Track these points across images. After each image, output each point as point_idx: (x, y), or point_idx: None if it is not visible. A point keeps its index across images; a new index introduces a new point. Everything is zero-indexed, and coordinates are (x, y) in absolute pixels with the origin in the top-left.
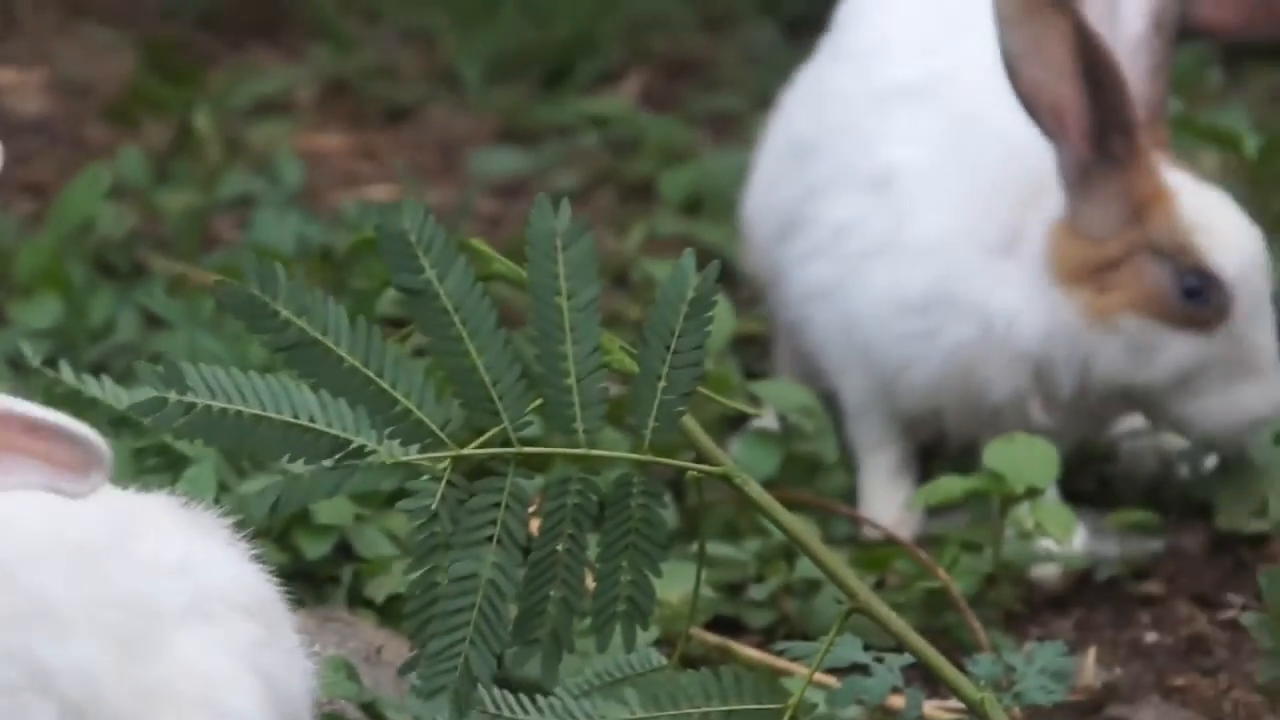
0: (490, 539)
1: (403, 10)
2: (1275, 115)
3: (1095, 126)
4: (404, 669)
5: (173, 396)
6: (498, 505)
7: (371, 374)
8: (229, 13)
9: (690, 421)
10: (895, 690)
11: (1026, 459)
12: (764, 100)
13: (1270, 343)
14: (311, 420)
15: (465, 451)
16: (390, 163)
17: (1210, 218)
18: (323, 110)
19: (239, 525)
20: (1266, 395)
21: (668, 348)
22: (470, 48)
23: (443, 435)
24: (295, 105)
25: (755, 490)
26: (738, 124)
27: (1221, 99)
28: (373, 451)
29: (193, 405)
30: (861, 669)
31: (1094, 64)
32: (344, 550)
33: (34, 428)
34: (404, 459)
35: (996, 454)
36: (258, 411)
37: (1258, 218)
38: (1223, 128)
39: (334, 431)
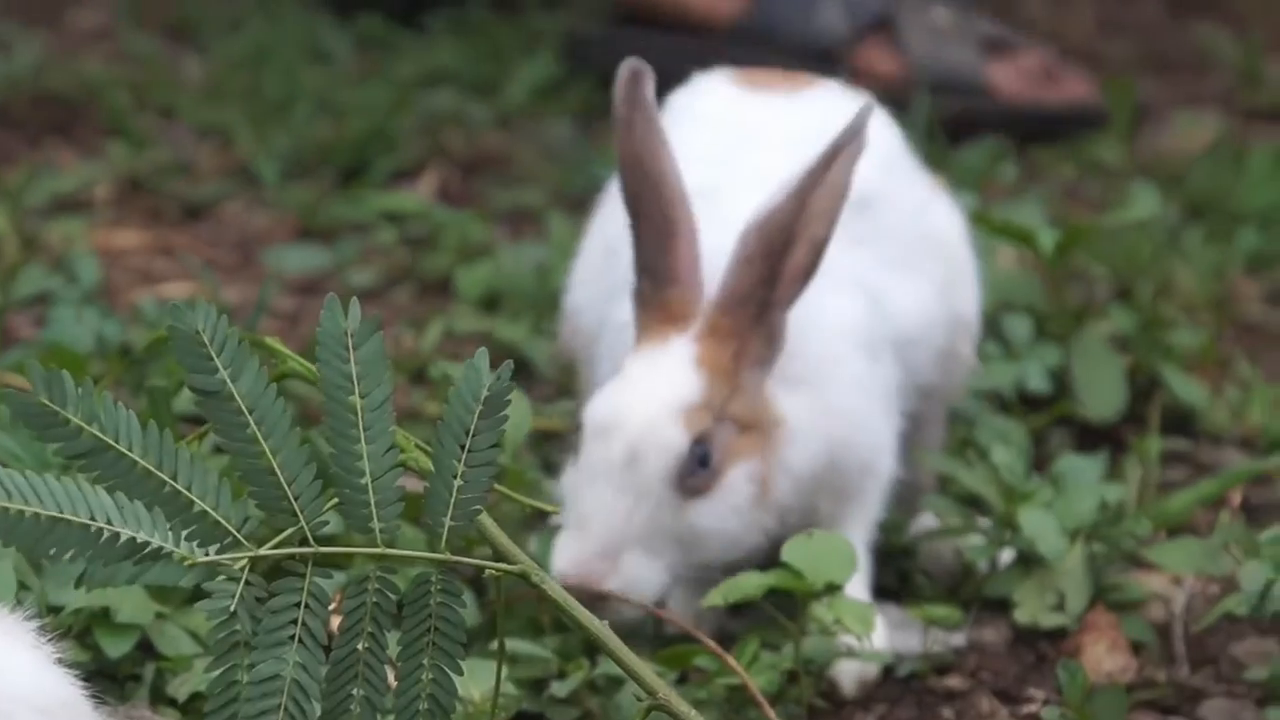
0: (291, 638)
1: (198, 108)
2: (1070, 209)
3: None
4: None
5: None
6: (297, 605)
7: (166, 476)
8: (22, 111)
9: (487, 520)
10: None
11: (825, 555)
12: (559, 195)
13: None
14: (109, 522)
15: (262, 552)
16: (188, 260)
17: None
18: (120, 208)
19: (42, 627)
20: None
21: (463, 446)
22: (266, 145)
23: (239, 535)
24: (92, 203)
25: (553, 588)
26: (534, 219)
27: (1016, 193)
28: (170, 553)
29: None
30: None
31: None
32: (146, 649)
33: None
34: (201, 560)
35: (795, 550)
36: (55, 513)
37: (1054, 314)
38: (1017, 223)
39: (130, 533)
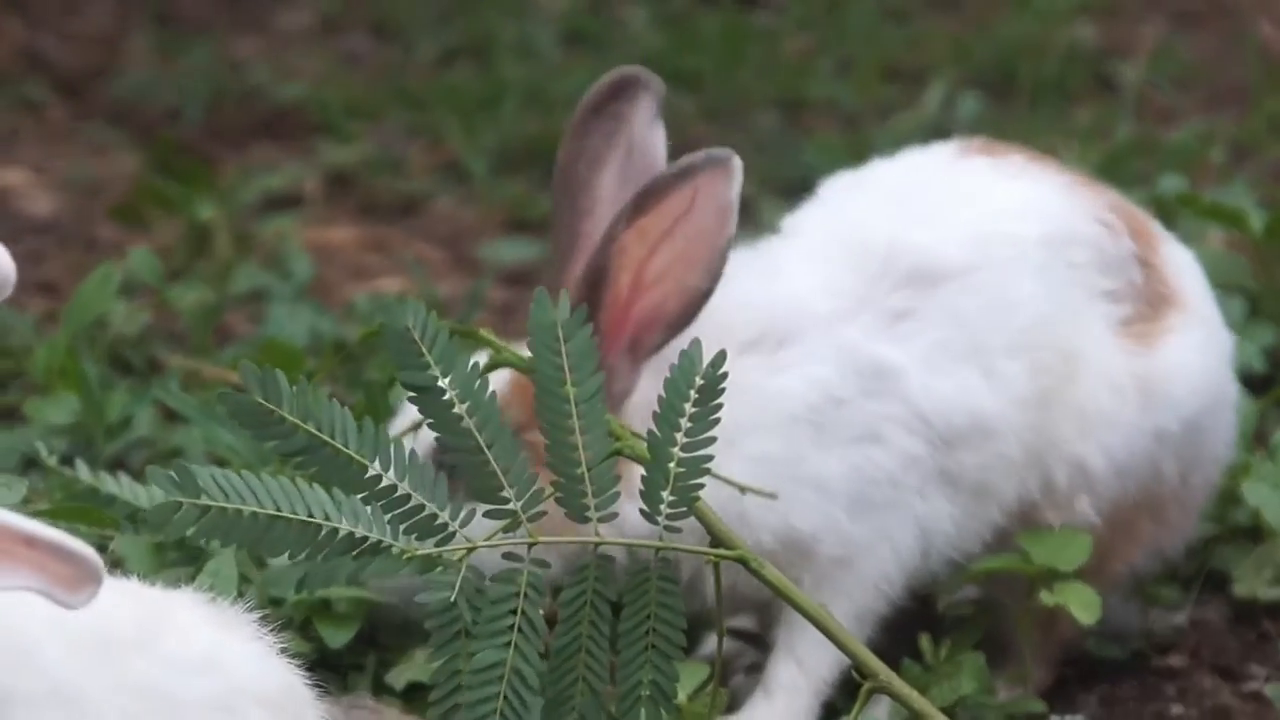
0: (511, 627)
1: (405, 108)
2: (1278, 190)
3: None
4: None
5: (186, 501)
6: (516, 594)
7: (381, 471)
8: (232, 112)
9: (705, 506)
10: None
11: (1058, 544)
12: (769, 183)
13: None
14: (326, 518)
15: (480, 544)
16: (399, 255)
17: None
18: (330, 205)
19: (263, 618)
20: None
21: (679, 432)
22: (475, 140)
23: (457, 528)
24: (303, 200)
25: (771, 573)
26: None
27: (1225, 176)
28: (388, 546)
29: (207, 509)
30: None
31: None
32: (367, 639)
33: (31, 541)
34: (420, 552)
35: (1030, 538)
36: (272, 512)
37: (1267, 293)
38: (1227, 205)
39: (348, 528)
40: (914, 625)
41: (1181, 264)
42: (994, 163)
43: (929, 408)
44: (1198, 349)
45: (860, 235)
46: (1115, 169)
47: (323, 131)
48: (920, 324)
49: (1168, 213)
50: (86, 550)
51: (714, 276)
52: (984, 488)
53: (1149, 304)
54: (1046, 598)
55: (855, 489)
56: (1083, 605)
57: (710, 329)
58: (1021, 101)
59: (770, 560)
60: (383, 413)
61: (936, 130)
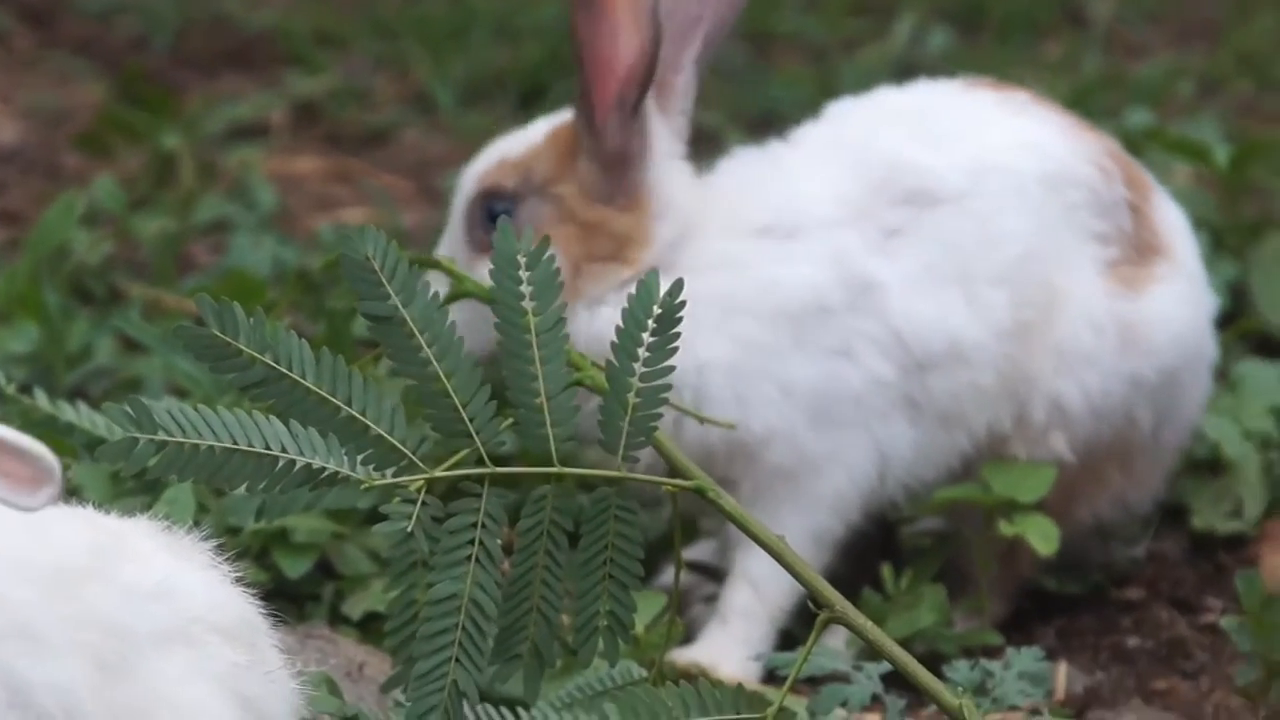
0: (469, 558)
1: (374, 38)
2: (1247, 125)
3: None
4: (387, 686)
5: (143, 436)
6: (474, 525)
7: (339, 402)
8: (199, 43)
9: (663, 436)
10: (875, 699)
11: (1019, 477)
12: (737, 116)
13: None
14: (283, 450)
15: (437, 474)
16: (365, 185)
17: None
18: (296, 135)
19: (219, 547)
20: None
21: (637, 363)
22: (443, 71)
23: (415, 458)
24: (269, 131)
25: (729, 503)
26: (712, 140)
27: (1193, 110)
28: (345, 477)
29: (163, 444)
30: (842, 678)
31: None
32: (325, 569)
33: None
34: (378, 483)
35: (993, 470)
36: (229, 445)
37: (1231, 228)
38: (1192, 139)
39: (306, 459)
40: (878, 555)
41: (1172, 218)
42: (1000, 98)
43: (907, 329)
44: (1182, 301)
45: (866, 149)
46: (1083, 103)
47: (290, 62)
48: (911, 243)
49: (1134, 147)
50: (41, 449)
51: (652, 41)
52: (954, 415)
53: (1137, 250)
54: (1005, 528)
55: (819, 402)
56: (1041, 536)
57: (721, 213)
58: (990, 35)
59: (711, 460)
60: (345, 343)
61: (904, 64)
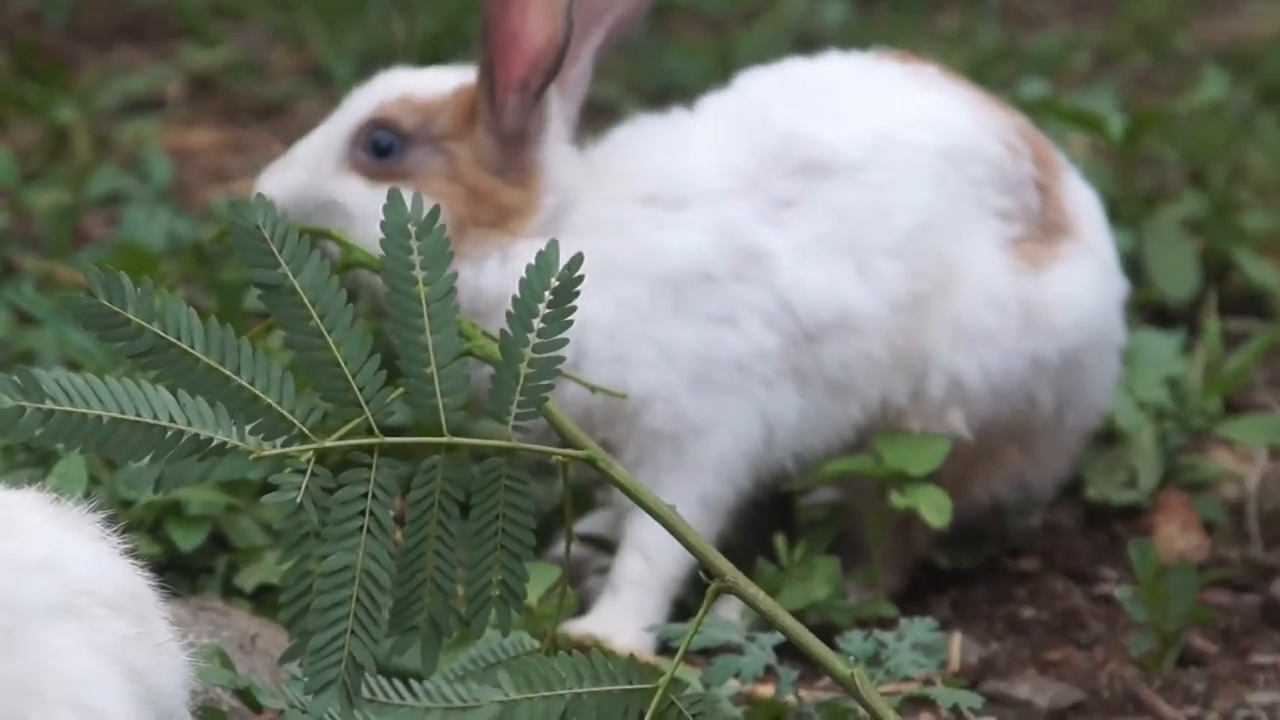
0: (360, 529)
1: (270, 9)
2: (1143, 97)
3: None
4: (284, 659)
5: (30, 405)
6: (365, 495)
7: (229, 372)
8: (94, 16)
9: (554, 406)
10: (768, 670)
11: (911, 449)
12: (634, 88)
13: None
14: (171, 420)
15: (327, 443)
16: (260, 158)
17: None
18: (192, 108)
19: (111, 519)
20: None
21: (531, 333)
22: (339, 44)
23: (304, 428)
24: (164, 103)
25: (620, 473)
26: (609, 112)
27: (1089, 80)
28: (235, 448)
29: (51, 413)
30: (735, 650)
31: None
32: (218, 541)
33: None
34: (267, 453)
35: (885, 442)
36: (116, 414)
37: (1126, 199)
38: (1086, 110)
39: (194, 430)
40: (774, 526)
41: (1082, 199)
42: (908, 71)
43: (795, 299)
44: (1087, 282)
45: (762, 120)
46: (979, 74)
47: (186, 34)
48: (804, 213)
49: (1030, 117)
50: None
51: (564, 31)
52: (844, 385)
53: (1043, 229)
54: (897, 499)
55: (699, 366)
56: (933, 508)
57: (612, 180)
58: (886, 7)
59: (591, 422)
60: (237, 315)
61: (801, 36)
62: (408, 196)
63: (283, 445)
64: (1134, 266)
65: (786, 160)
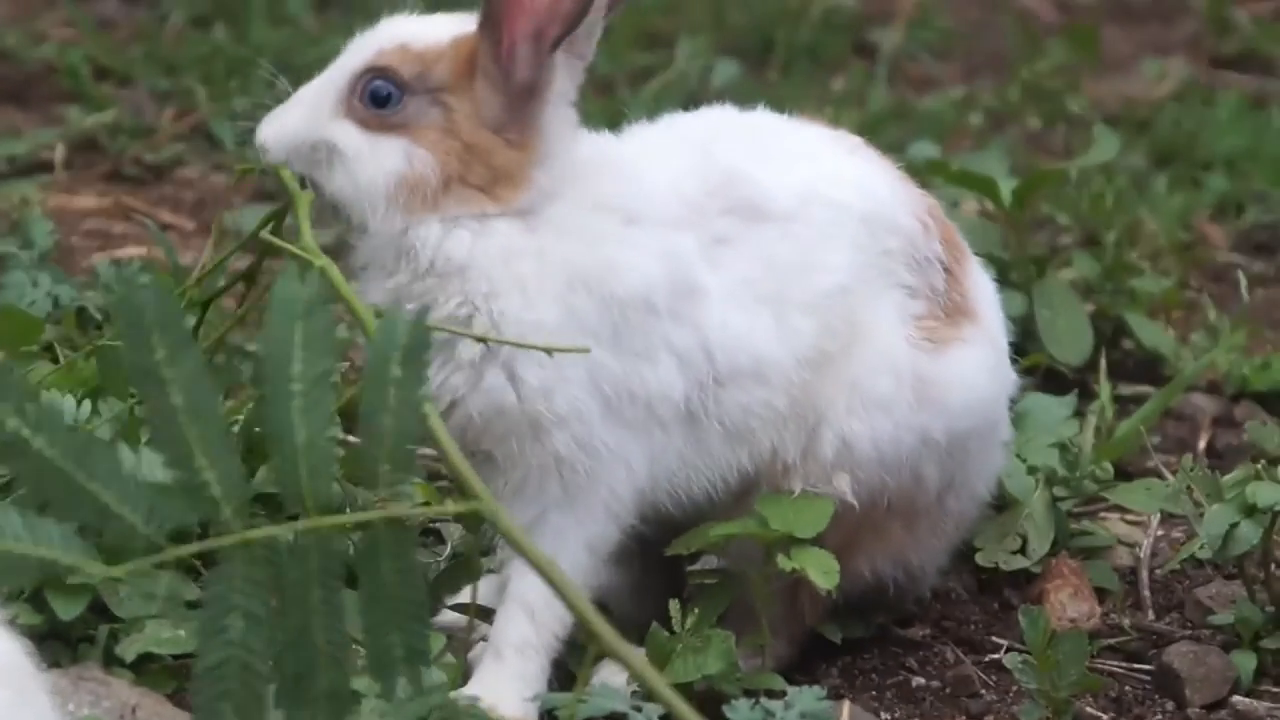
0: (233, 622)
1: (156, 72)
2: (1035, 158)
3: None
4: None
5: None
6: (232, 591)
7: (83, 482)
8: None
9: (447, 440)
10: None
11: (796, 510)
12: None
13: None
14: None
15: (171, 553)
16: (145, 222)
17: None
18: (76, 171)
19: None
20: None
21: (390, 397)
22: (225, 106)
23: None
24: (49, 166)
25: (506, 524)
26: None
27: (981, 141)
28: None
29: None
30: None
31: None
32: (99, 610)
33: None
34: (114, 573)
35: (768, 503)
36: None
37: (1017, 262)
38: (976, 173)
39: (41, 553)
40: (665, 590)
41: (983, 286)
42: (834, 135)
43: (717, 342)
44: (983, 368)
45: (708, 152)
46: (871, 135)
47: (72, 97)
48: (736, 256)
49: (920, 180)
50: None
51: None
52: (740, 431)
53: (945, 310)
54: (784, 562)
55: (614, 398)
56: (821, 570)
57: (591, 187)
58: (776, 68)
59: (492, 435)
60: (118, 379)
61: (692, 96)
62: (399, 149)
63: (134, 559)
64: (1025, 330)
65: (726, 197)
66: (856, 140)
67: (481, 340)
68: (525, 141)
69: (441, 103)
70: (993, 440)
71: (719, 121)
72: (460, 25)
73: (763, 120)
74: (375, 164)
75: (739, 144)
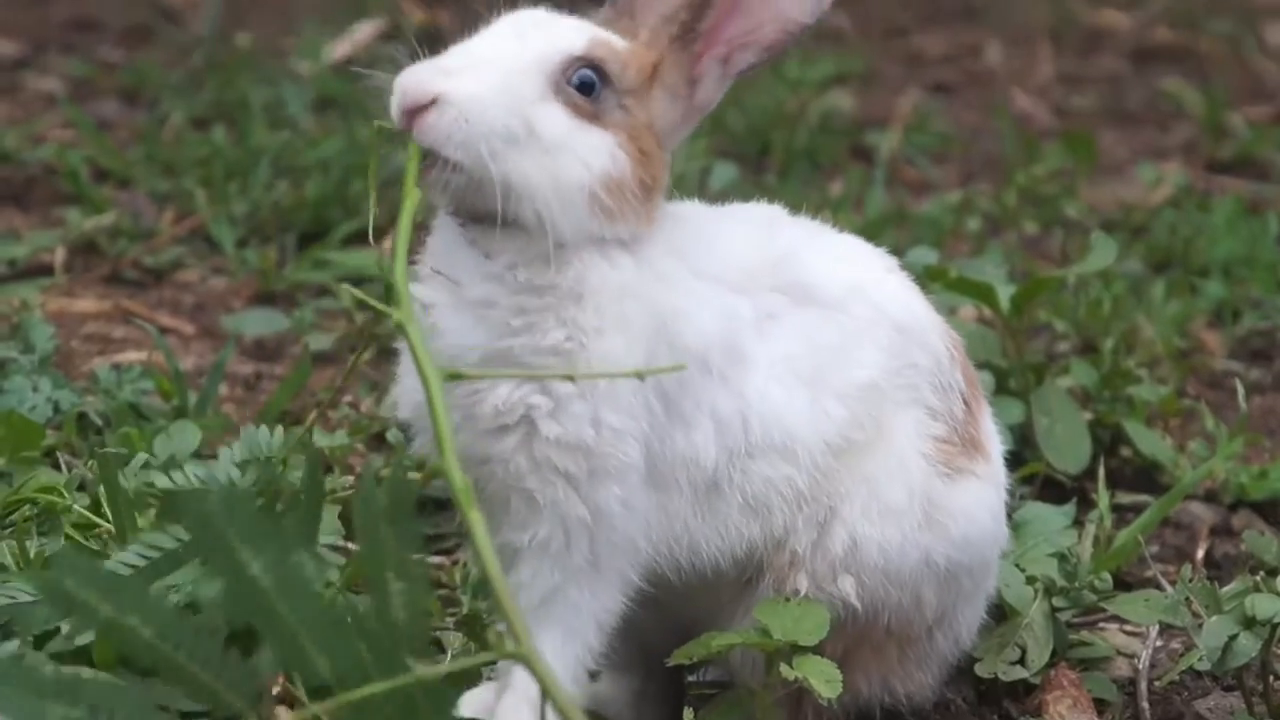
0: None
1: (156, 176)
2: (1033, 262)
3: None
4: None
5: None
6: None
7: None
8: None
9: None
10: None
11: (796, 618)
12: None
13: None
14: None
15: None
16: (145, 326)
17: None
18: (76, 274)
19: None
20: None
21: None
22: (225, 209)
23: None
24: (47, 269)
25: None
26: None
27: (978, 247)
28: None
29: None
30: None
31: None
32: None
33: None
34: None
35: (766, 610)
36: None
37: (1015, 369)
38: (974, 279)
39: None
40: (665, 699)
41: (994, 430)
42: (877, 251)
43: (756, 411)
44: (988, 507)
45: (770, 230)
46: (869, 240)
47: (71, 200)
48: (781, 331)
49: (917, 285)
50: None
51: (815, 11)
52: (759, 506)
53: (961, 440)
54: (786, 671)
55: (661, 455)
56: (823, 679)
57: (656, 228)
58: (774, 171)
59: (550, 481)
60: (116, 485)
61: (690, 198)
62: (607, 144)
63: None
64: (1023, 438)
65: (780, 275)
66: (894, 262)
67: (569, 379)
68: (664, 163)
69: (624, 106)
70: (984, 583)
71: (776, 211)
72: (608, 31)
73: (814, 223)
74: (582, 157)
75: (798, 231)
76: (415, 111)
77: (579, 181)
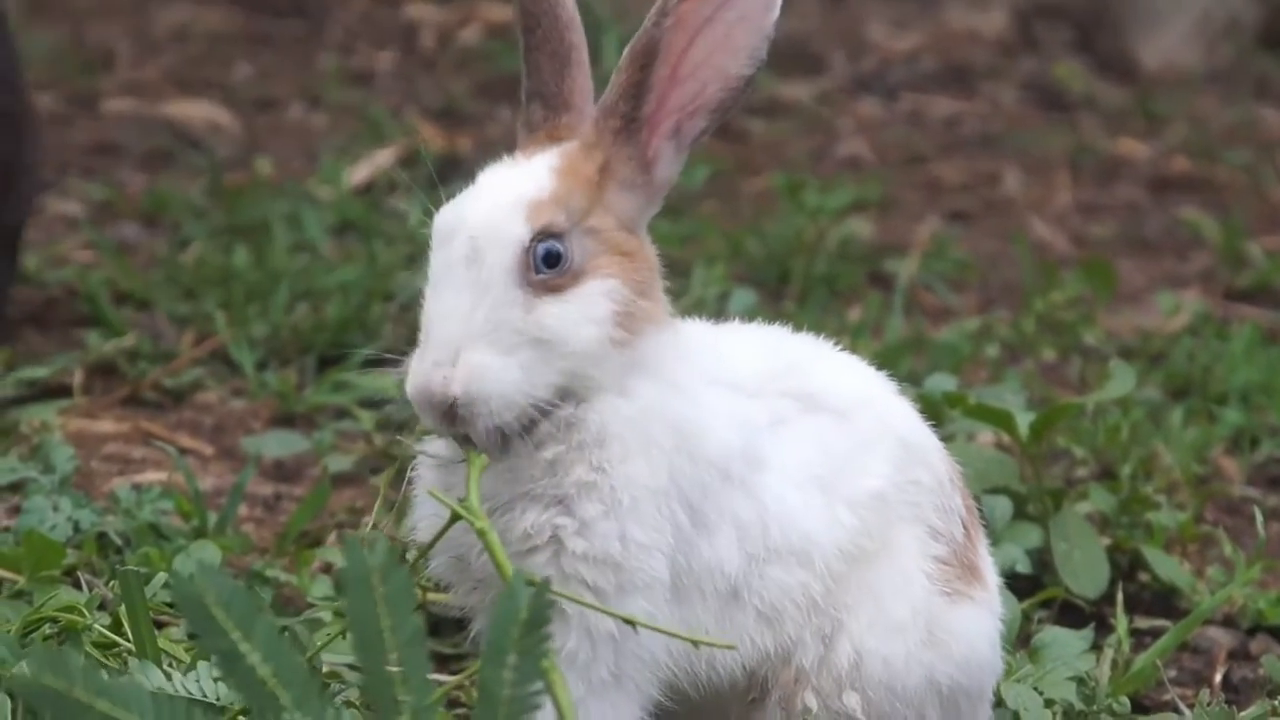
0: None
1: (176, 297)
2: (1051, 389)
3: None
4: None
5: None
6: None
7: None
8: None
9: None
10: None
11: None
12: None
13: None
14: None
15: None
16: (164, 447)
17: None
18: (96, 395)
19: None
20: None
21: (507, 669)
22: (245, 331)
23: None
24: (69, 390)
25: None
26: None
27: (997, 374)
28: None
29: None
30: None
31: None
32: None
33: None
34: None
35: None
36: None
37: (1033, 494)
38: (993, 406)
39: None
40: None
41: (990, 560)
42: (880, 373)
43: (774, 514)
44: (985, 635)
45: (775, 342)
46: (887, 366)
47: (91, 322)
48: (793, 435)
49: (936, 412)
50: None
51: (755, 63)
52: (773, 614)
53: (962, 564)
54: None
55: (686, 568)
56: None
57: (657, 345)
58: (792, 297)
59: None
60: (139, 604)
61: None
62: (596, 291)
63: None
64: (1042, 563)
65: (787, 382)
66: (896, 386)
67: (630, 623)
68: (644, 240)
69: (590, 230)
70: (980, 710)
71: (779, 329)
72: (540, 156)
73: (816, 339)
74: (588, 319)
75: (803, 345)
76: (446, 413)
77: (597, 338)
